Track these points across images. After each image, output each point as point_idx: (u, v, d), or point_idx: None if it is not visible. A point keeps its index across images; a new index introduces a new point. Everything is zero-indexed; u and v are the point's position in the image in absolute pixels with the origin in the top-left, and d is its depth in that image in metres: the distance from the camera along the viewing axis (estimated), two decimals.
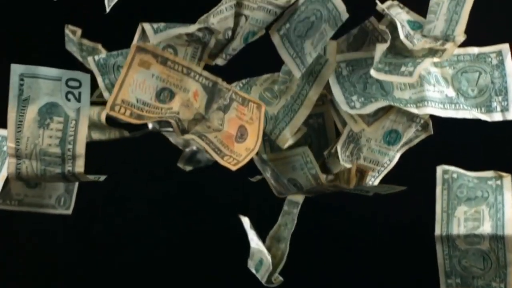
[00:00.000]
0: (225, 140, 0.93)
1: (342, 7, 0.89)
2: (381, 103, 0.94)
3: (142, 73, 0.92)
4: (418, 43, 0.95)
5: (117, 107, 0.91)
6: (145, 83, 0.93)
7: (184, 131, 0.94)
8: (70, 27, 1.11)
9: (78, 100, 0.96)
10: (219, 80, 0.95)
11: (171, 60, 0.93)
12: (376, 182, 1.07)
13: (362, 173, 1.04)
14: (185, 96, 0.94)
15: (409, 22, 1.00)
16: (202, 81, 0.94)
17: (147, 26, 0.96)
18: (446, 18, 0.97)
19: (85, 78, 0.96)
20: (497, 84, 0.97)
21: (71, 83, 0.96)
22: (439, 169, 1.02)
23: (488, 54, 0.99)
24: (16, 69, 0.95)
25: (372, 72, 0.92)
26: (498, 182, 1.01)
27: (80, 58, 1.10)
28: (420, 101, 0.94)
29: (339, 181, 1.04)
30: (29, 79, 0.95)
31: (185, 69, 0.94)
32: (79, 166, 0.96)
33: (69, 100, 0.96)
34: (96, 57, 0.98)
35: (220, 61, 1.02)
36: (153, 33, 0.96)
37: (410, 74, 0.92)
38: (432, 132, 1.05)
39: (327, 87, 0.97)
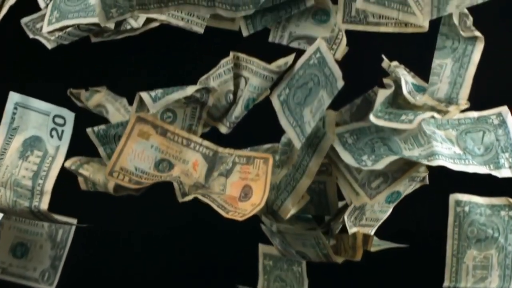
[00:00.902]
0: (228, 200, 0.92)
1: (338, 73, 0.88)
2: (393, 157, 0.92)
3: (141, 143, 0.92)
4: (420, 98, 0.95)
5: (115, 173, 0.92)
6: (144, 153, 0.92)
7: (185, 195, 0.94)
8: (74, 91, 1.11)
9: (60, 138, 0.97)
10: (220, 149, 0.93)
11: (170, 132, 0.92)
12: (372, 232, 1.06)
13: (366, 238, 1.03)
14: (184, 166, 0.93)
15: (413, 84, 0.99)
16: (202, 150, 0.93)
17: (145, 95, 0.96)
18: (450, 81, 0.97)
19: (70, 116, 0.97)
20: (502, 141, 0.97)
21: (57, 120, 0.98)
22: (452, 199, 1.01)
23: (488, 116, 0.99)
24: (13, 97, 0.97)
25: (371, 118, 0.91)
26: (511, 212, 1.00)
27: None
28: (431, 155, 0.93)
29: (343, 247, 1.03)
30: (22, 109, 0.97)
31: (185, 140, 0.93)
32: (45, 202, 0.96)
33: (52, 136, 0.97)
34: (96, 128, 0.98)
35: (224, 129, 1.02)
36: (152, 102, 0.95)
37: (410, 121, 0.91)
38: (427, 183, 1.05)
39: (329, 156, 0.96)
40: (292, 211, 0.96)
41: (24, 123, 0.97)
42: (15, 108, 0.97)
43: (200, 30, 1.04)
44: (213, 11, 0.90)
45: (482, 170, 0.95)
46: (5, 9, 1.06)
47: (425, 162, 0.92)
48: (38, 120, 0.98)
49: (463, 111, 0.97)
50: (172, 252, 1.48)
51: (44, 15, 1.07)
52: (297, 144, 0.92)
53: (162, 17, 1.04)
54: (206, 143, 0.93)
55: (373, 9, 0.97)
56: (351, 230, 1.01)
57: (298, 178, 0.95)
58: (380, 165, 0.91)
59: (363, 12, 1.02)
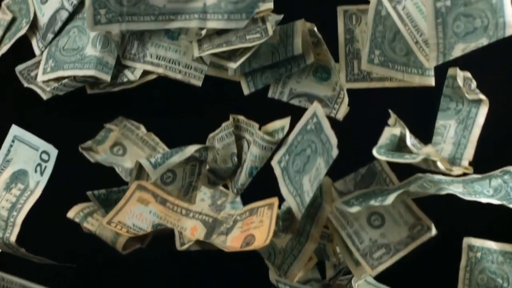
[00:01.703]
0: (230, 248, 0.91)
1: (334, 141, 0.87)
2: (401, 191, 0.92)
3: (140, 207, 0.91)
4: (424, 149, 0.94)
5: (113, 224, 0.93)
6: (142, 216, 0.92)
7: (183, 245, 0.93)
8: (85, 146, 1.11)
9: (41, 173, 0.99)
10: (220, 215, 0.92)
11: (170, 202, 0.91)
12: None
13: None
14: (182, 231, 0.91)
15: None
16: (202, 218, 0.92)
17: (144, 162, 0.95)
18: (454, 141, 0.97)
19: (53, 154, 0.99)
20: (510, 183, 0.96)
21: (43, 156, 0.99)
22: (465, 244, 1.01)
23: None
24: (13, 131, 1.00)
25: (374, 152, 0.90)
26: None
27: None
28: (440, 189, 0.93)
29: None
30: (18, 143, 0.99)
31: (184, 210, 0.92)
32: (14, 234, 0.97)
33: (36, 171, 0.99)
34: (96, 192, 0.98)
35: (231, 197, 1.01)
36: (153, 169, 0.95)
37: (414, 158, 0.91)
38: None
39: (330, 222, 0.95)
40: (300, 274, 0.95)
41: (17, 156, 0.99)
42: (13, 141, 0.99)
43: (198, 83, 1.03)
44: (203, 24, 0.91)
45: (495, 201, 0.95)
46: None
47: (433, 192, 0.92)
48: (28, 154, 0.99)
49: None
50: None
51: (38, 62, 1.05)
52: (298, 214, 0.91)
53: (159, 70, 1.03)
54: (206, 211, 0.92)
55: (377, 70, 0.98)
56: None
57: (303, 242, 0.94)
58: (389, 201, 0.90)
59: None
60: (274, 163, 0.94)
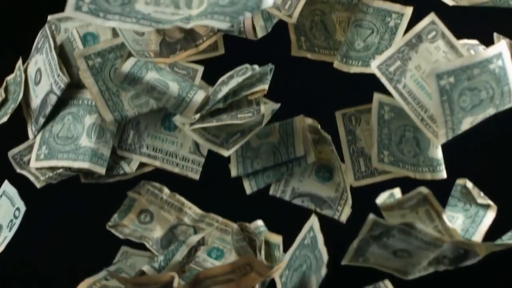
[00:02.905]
0: None
1: (325, 258, 0.84)
2: None
3: None
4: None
5: None
6: None
7: None
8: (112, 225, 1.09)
9: (10, 229, 0.97)
10: None
11: None
12: None
13: None
14: None
15: None
16: None
17: (148, 269, 0.93)
18: (462, 228, 0.96)
19: (22, 211, 0.97)
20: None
21: (16, 213, 0.97)
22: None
23: None
24: (4, 187, 0.99)
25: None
26: None
27: None
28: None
29: None
30: (4, 198, 0.98)
31: None
32: None
33: (7, 227, 0.97)
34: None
35: None
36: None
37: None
38: None
39: None
40: None
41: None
42: (1, 196, 0.98)
43: (195, 176, 1.01)
44: (185, 25, 0.84)
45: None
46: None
47: None
48: (8, 210, 0.98)
49: None
50: None
51: (31, 147, 1.03)
52: None
53: (156, 163, 1.02)
54: None
55: (389, 169, 0.98)
56: None
57: None
58: None
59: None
60: (277, 278, 0.91)
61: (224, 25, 0.83)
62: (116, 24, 0.82)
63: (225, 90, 0.96)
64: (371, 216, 0.81)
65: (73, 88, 1.01)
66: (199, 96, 0.97)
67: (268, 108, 0.96)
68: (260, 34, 0.99)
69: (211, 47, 1.04)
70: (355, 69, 0.98)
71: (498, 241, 0.93)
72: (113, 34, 1.01)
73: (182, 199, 1.09)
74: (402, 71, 0.93)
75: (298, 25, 1.01)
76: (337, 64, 0.99)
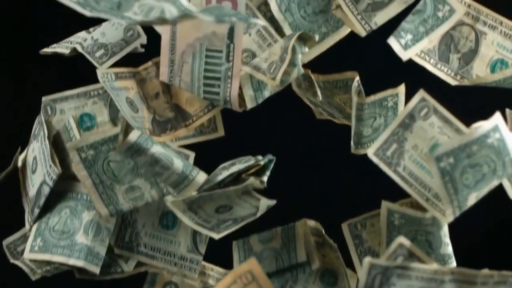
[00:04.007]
0: None
1: None
2: None
3: None
4: None
5: None
6: None
7: None
8: None
9: None
10: None
11: None
12: None
13: None
14: None
15: None
16: None
17: None
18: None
19: None
20: None
21: None
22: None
23: None
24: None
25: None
26: None
27: None
28: None
29: None
30: None
31: None
32: None
33: None
34: None
35: None
36: None
37: None
38: None
39: None
40: None
41: None
42: None
43: (194, 276, 1.00)
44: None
45: None
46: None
47: None
48: None
49: None
50: None
51: (26, 237, 1.01)
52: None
53: (153, 263, 1.00)
54: None
55: None
56: None
57: None
58: None
59: None
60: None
61: (208, 19, 0.77)
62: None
63: (225, 174, 0.94)
64: (367, 259, 0.78)
65: (72, 180, 0.99)
66: (201, 177, 0.96)
67: (263, 203, 0.95)
68: (250, 105, 0.98)
69: (210, 128, 1.03)
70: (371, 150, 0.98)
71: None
72: (110, 113, 1.00)
73: (205, 263, 1.07)
74: (400, 153, 0.92)
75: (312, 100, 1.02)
76: (354, 150, 0.99)
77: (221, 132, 1.03)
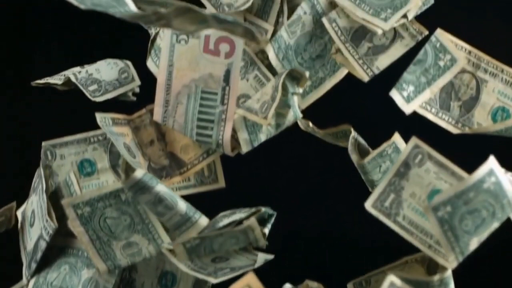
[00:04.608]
0: None
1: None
2: None
3: None
4: None
5: None
6: None
7: None
8: None
9: None
10: None
11: None
12: None
13: None
14: None
15: None
16: None
17: None
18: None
19: None
20: None
21: None
22: None
23: None
24: None
25: None
26: None
27: None
28: None
29: None
30: None
31: None
32: None
33: None
34: None
35: None
36: None
37: None
38: None
39: None
40: None
41: None
42: None
43: None
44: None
45: None
46: None
47: None
48: None
49: None
50: None
51: None
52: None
53: None
54: None
55: None
56: None
57: None
58: None
59: None
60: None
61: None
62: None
63: (226, 221, 0.94)
64: None
65: (72, 236, 0.98)
66: (203, 221, 0.95)
67: (261, 256, 0.94)
68: (245, 148, 0.97)
69: (211, 179, 1.02)
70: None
71: None
72: (110, 160, 1.00)
73: None
74: (398, 202, 0.92)
75: None
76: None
77: (221, 183, 1.02)
